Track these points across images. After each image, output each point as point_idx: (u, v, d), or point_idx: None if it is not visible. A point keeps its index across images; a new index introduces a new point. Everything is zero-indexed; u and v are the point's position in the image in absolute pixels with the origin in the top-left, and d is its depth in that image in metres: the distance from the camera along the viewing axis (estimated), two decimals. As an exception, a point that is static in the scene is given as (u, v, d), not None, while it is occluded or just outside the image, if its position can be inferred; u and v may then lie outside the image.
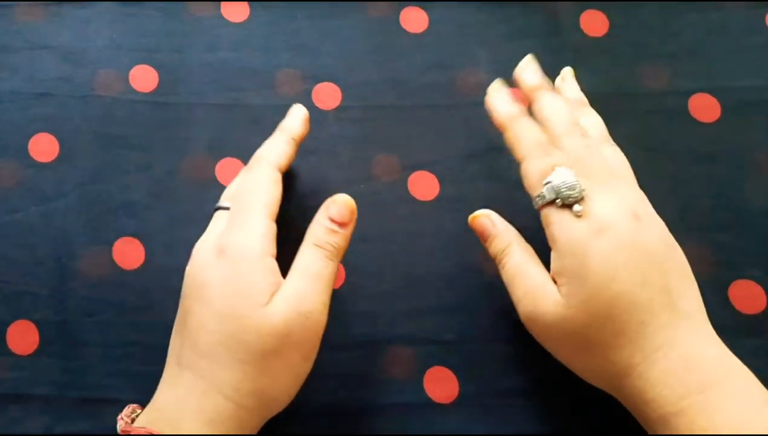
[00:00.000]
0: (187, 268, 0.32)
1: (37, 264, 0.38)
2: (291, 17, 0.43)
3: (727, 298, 0.37)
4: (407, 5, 0.43)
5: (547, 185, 0.30)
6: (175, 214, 0.39)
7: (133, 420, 0.29)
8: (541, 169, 0.31)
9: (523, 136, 0.32)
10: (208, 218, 0.38)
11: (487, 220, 0.34)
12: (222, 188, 0.39)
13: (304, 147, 0.38)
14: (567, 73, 0.37)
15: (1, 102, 0.40)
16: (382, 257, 0.38)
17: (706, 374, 0.27)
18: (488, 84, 0.41)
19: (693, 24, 0.42)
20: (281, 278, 0.30)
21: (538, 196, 0.31)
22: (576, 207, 0.29)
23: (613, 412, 0.32)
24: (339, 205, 0.31)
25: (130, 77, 0.41)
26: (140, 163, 0.40)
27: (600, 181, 0.30)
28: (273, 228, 0.31)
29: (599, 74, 0.41)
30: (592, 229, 0.29)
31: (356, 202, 0.39)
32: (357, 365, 0.36)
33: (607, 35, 0.42)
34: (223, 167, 0.40)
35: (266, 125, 0.40)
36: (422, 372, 0.36)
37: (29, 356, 0.37)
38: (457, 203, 0.39)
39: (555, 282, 0.30)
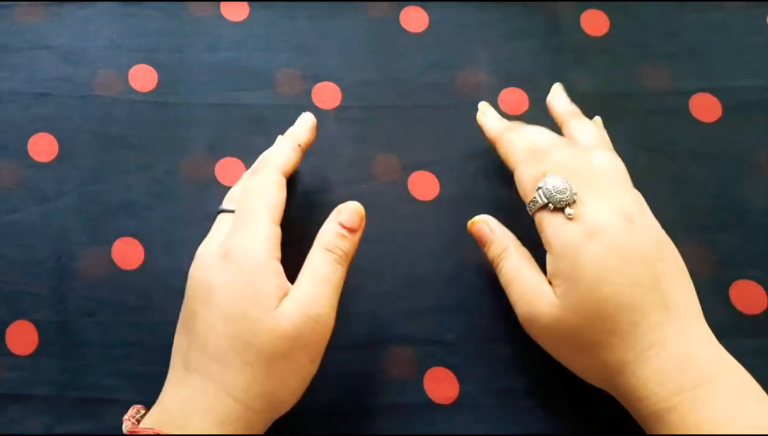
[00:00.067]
0: (191, 270, 0.32)
1: (37, 264, 0.38)
2: (291, 17, 0.43)
3: (727, 298, 0.37)
4: (407, 5, 0.43)
5: (539, 190, 0.31)
6: (175, 215, 0.39)
7: (138, 421, 0.29)
8: (533, 176, 0.32)
9: (513, 146, 0.34)
10: (208, 218, 0.38)
11: (485, 225, 0.35)
12: (222, 188, 0.39)
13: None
14: (557, 88, 0.38)
15: (1, 102, 0.40)
16: (382, 257, 0.38)
17: (698, 372, 0.28)
18: (488, 84, 0.41)
19: (693, 24, 0.42)
20: (286, 281, 0.30)
21: (531, 201, 0.32)
22: (568, 210, 0.30)
23: (613, 412, 0.32)
24: (349, 212, 0.32)
25: (130, 77, 0.41)
26: (140, 163, 0.40)
27: (592, 185, 0.31)
28: (278, 232, 0.31)
29: (599, 74, 0.41)
30: (584, 232, 0.30)
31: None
32: (357, 365, 0.36)
33: (607, 35, 0.42)
34: (223, 167, 0.40)
35: (266, 125, 0.40)
36: (422, 372, 0.36)
37: (29, 356, 0.37)
38: (457, 203, 0.39)
39: (551, 284, 0.31)
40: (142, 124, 0.40)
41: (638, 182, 0.38)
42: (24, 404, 0.36)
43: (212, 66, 0.41)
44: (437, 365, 0.36)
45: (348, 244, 0.32)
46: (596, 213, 0.30)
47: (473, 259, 0.37)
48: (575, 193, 0.30)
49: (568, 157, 0.32)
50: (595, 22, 0.42)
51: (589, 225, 0.30)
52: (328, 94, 0.41)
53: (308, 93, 0.41)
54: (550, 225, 0.31)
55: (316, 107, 0.41)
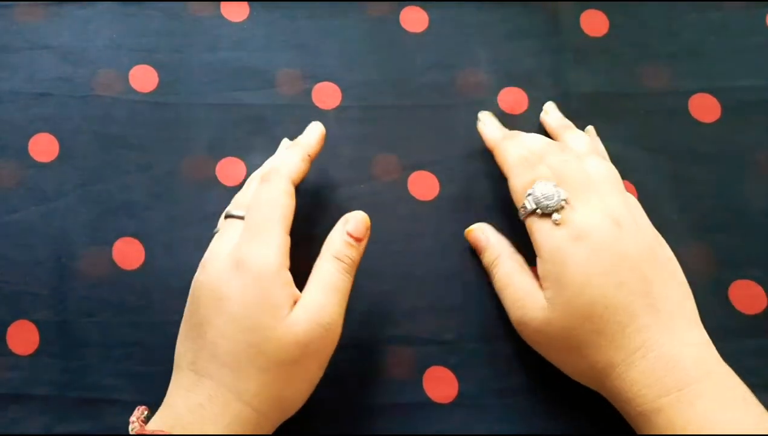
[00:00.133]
0: (201, 276, 0.32)
1: (37, 264, 0.38)
2: (291, 17, 0.42)
3: (727, 298, 0.37)
4: (407, 5, 0.43)
5: (528, 197, 0.32)
6: (175, 215, 0.39)
7: (144, 421, 0.30)
8: (524, 183, 0.33)
9: (508, 155, 0.34)
10: (208, 218, 0.38)
11: (481, 233, 0.37)
12: (222, 188, 0.39)
13: (304, 147, 0.38)
14: (549, 106, 0.40)
15: (1, 102, 0.40)
16: (382, 257, 0.38)
17: (685, 374, 0.28)
18: (488, 84, 0.41)
19: (693, 24, 0.42)
20: (295, 288, 0.31)
21: (521, 207, 0.33)
22: (555, 216, 0.31)
23: (612, 411, 0.32)
24: (356, 221, 0.33)
25: (130, 77, 0.41)
26: (140, 163, 0.40)
27: (583, 191, 0.32)
28: (288, 241, 0.31)
29: (599, 74, 0.41)
30: (571, 236, 0.31)
31: (356, 202, 0.39)
32: (357, 365, 0.36)
33: (607, 35, 0.42)
34: (223, 167, 0.40)
35: (266, 125, 0.40)
36: (422, 372, 0.36)
37: (29, 356, 0.37)
38: (457, 203, 0.39)
39: (542, 288, 0.32)
40: (143, 124, 0.40)
41: (638, 182, 0.39)
42: (24, 404, 0.36)
43: (212, 66, 0.41)
44: (436, 364, 0.36)
45: (355, 252, 0.32)
46: (584, 218, 0.31)
47: (473, 259, 0.38)
48: (564, 199, 0.31)
49: (561, 163, 0.33)
50: (595, 22, 0.42)
51: (576, 229, 0.31)
52: (328, 94, 0.41)
53: (308, 93, 0.41)
54: (538, 230, 0.32)
55: (316, 107, 0.41)
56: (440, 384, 0.36)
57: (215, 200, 0.39)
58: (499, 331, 0.36)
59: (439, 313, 0.37)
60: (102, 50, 0.42)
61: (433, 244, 0.38)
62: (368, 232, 0.33)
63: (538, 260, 0.32)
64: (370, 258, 0.37)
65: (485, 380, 0.36)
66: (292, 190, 0.33)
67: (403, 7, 0.43)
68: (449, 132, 0.40)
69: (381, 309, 0.37)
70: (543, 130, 0.39)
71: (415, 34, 0.42)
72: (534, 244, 0.32)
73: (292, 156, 0.34)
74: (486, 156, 0.39)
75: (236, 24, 0.42)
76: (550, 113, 0.39)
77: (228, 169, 0.40)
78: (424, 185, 0.39)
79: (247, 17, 0.43)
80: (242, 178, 0.39)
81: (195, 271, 0.36)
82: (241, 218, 0.33)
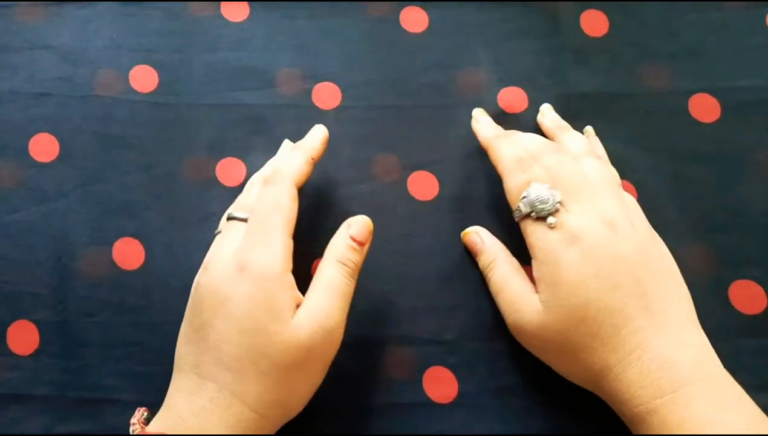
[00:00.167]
0: (203, 279, 0.31)
1: (37, 264, 0.38)
2: (291, 17, 0.43)
3: (727, 298, 0.37)
4: (407, 5, 0.43)
5: (523, 200, 0.32)
6: (175, 215, 0.39)
7: (145, 423, 0.30)
8: (518, 185, 0.33)
9: (503, 154, 0.34)
10: (208, 218, 0.38)
11: (476, 236, 0.37)
12: (222, 188, 0.39)
13: (304, 147, 0.38)
14: (546, 108, 0.40)
15: (1, 102, 0.41)
16: (382, 257, 0.38)
17: (680, 375, 0.28)
18: (488, 84, 0.41)
19: (693, 24, 0.42)
20: (298, 291, 0.31)
21: (516, 209, 0.33)
22: (550, 219, 0.31)
23: (611, 411, 0.32)
24: (359, 226, 0.33)
25: (130, 77, 0.41)
26: (140, 163, 0.40)
27: (578, 192, 0.32)
28: (291, 245, 0.31)
29: (599, 74, 0.41)
30: (565, 239, 0.31)
31: (356, 202, 0.39)
32: (356, 365, 0.36)
33: (607, 35, 0.42)
34: (223, 167, 0.40)
35: (266, 125, 0.40)
36: (422, 372, 0.36)
37: (29, 356, 0.37)
38: (456, 203, 0.39)
39: (537, 291, 0.32)
40: (143, 124, 0.40)
41: (638, 182, 0.39)
42: (24, 404, 0.36)
43: (212, 66, 0.41)
44: (436, 364, 0.36)
45: (358, 256, 0.33)
46: (578, 220, 0.31)
47: (472, 259, 0.38)
48: (558, 202, 0.31)
49: (557, 163, 0.33)
50: (595, 22, 0.42)
51: (569, 232, 0.31)
52: (328, 94, 0.41)
53: (308, 93, 0.41)
54: (533, 233, 0.32)
55: (316, 107, 0.41)
56: (440, 384, 0.36)
57: (215, 200, 0.39)
58: (498, 331, 0.36)
59: (439, 313, 0.37)
60: (102, 50, 0.42)
61: (433, 244, 0.38)
62: (371, 236, 0.34)
63: (533, 263, 0.32)
64: (370, 258, 0.37)
65: (485, 380, 0.36)
66: (295, 194, 0.33)
67: (403, 7, 0.43)
68: (449, 132, 0.40)
69: (381, 309, 0.37)
70: (542, 131, 0.39)
71: (415, 34, 0.42)
72: (529, 246, 0.33)
73: (295, 159, 0.34)
74: (485, 156, 0.39)
75: (236, 24, 0.42)
76: (547, 115, 0.39)
77: (228, 169, 0.40)
78: (423, 185, 0.39)
79: (247, 17, 0.43)
80: (242, 178, 0.39)
81: (195, 271, 0.36)
82: (244, 220, 0.33)
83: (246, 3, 0.43)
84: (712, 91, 0.40)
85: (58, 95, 0.41)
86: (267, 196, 0.32)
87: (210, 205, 0.39)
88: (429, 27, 0.42)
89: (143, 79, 0.41)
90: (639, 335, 0.29)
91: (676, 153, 0.40)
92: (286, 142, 0.39)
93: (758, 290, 0.37)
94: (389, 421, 0.35)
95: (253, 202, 0.33)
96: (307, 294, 0.31)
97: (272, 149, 0.39)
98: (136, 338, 0.37)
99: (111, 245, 0.38)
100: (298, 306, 0.31)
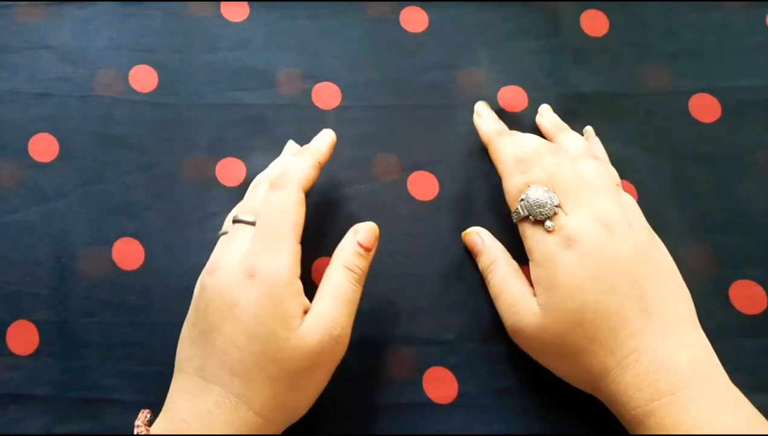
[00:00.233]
0: (209, 282, 0.31)
1: (37, 264, 0.38)
2: (291, 17, 0.43)
3: (727, 298, 0.37)
4: (407, 5, 0.43)
5: (521, 203, 0.32)
6: (175, 215, 0.39)
7: (148, 425, 0.30)
8: (517, 187, 0.33)
9: (503, 152, 0.34)
10: (208, 218, 0.38)
11: (477, 237, 0.37)
12: (222, 188, 0.39)
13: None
14: (544, 108, 0.40)
15: (1, 102, 0.41)
16: (382, 257, 0.37)
17: (678, 377, 0.28)
18: (488, 84, 0.41)
19: (693, 24, 0.42)
20: (305, 297, 0.31)
21: (515, 212, 0.33)
22: (547, 223, 0.31)
23: (611, 412, 0.32)
24: (366, 232, 0.33)
25: (130, 77, 0.41)
26: (140, 163, 0.40)
27: (575, 194, 0.32)
28: (299, 250, 0.31)
29: (599, 74, 0.41)
30: (562, 242, 0.31)
31: (356, 202, 0.39)
32: (356, 365, 0.36)
33: (607, 35, 0.42)
34: (223, 167, 0.40)
35: (266, 125, 0.40)
36: (421, 372, 0.36)
37: (29, 356, 0.37)
38: (456, 203, 0.39)
39: (535, 293, 0.32)
40: (143, 124, 0.40)
41: (638, 182, 0.39)
42: (24, 404, 0.36)
43: (212, 66, 0.41)
44: (436, 364, 0.36)
45: (365, 262, 0.33)
46: (575, 223, 0.31)
47: (472, 259, 0.38)
48: (556, 206, 0.32)
49: (555, 165, 0.33)
50: (595, 22, 0.42)
51: (567, 234, 0.31)
52: (328, 94, 0.41)
53: (308, 93, 0.41)
54: (531, 236, 0.32)
55: (316, 107, 0.41)
56: (440, 384, 0.36)
57: (215, 200, 0.39)
58: (498, 331, 0.36)
59: (439, 313, 0.37)
60: (102, 50, 0.42)
61: (433, 244, 0.38)
62: (377, 242, 0.34)
63: (531, 265, 0.32)
64: (370, 258, 0.37)
65: (485, 381, 0.36)
66: (303, 198, 0.33)
67: (403, 7, 0.43)
68: (449, 132, 0.40)
69: (381, 309, 0.37)
70: (540, 132, 0.39)
71: (415, 34, 0.42)
72: (527, 249, 0.33)
73: (303, 163, 0.34)
74: (486, 156, 0.39)
75: (236, 24, 0.42)
76: (545, 115, 0.39)
77: (228, 169, 0.40)
78: (423, 185, 0.39)
79: (247, 17, 0.43)
80: (242, 178, 0.39)
81: (195, 271, 0.36)
82: (251, 223, 0.32)
83: (246, 3, 0.43)
84: (712, 91, 0.40)
85: (58, 95, 0.41)
86: (275, 201, 0.32)
87: (210, 205, 0.39)
88: (429, 27, 0.42)
89: (143, 79, 0.41)
90: (637, 337, 0.29)
91: (676, 153, 0.40)
92: (290, 144, 0.39)
93: (758, 290, 0.37)
94: (389, 421, 0.35)
95: (260, 205, 0.32)
96: (314, 300, 0.32)
97: (272, 149, 0.39)
98: (136, 338, 0.37)
99: (111, 245, 0.38)
100: (305, 312, 0.31)
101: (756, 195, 0.38)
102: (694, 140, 0.40)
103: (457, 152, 0.40)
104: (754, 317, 0.36)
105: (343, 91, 0.41)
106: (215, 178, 0.40)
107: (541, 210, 0.31)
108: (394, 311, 0.37)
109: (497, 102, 0.41)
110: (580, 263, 0.30)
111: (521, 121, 0.40)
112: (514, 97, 0.41)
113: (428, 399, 0.36)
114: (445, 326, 0.37)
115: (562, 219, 0.31)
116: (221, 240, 0.33)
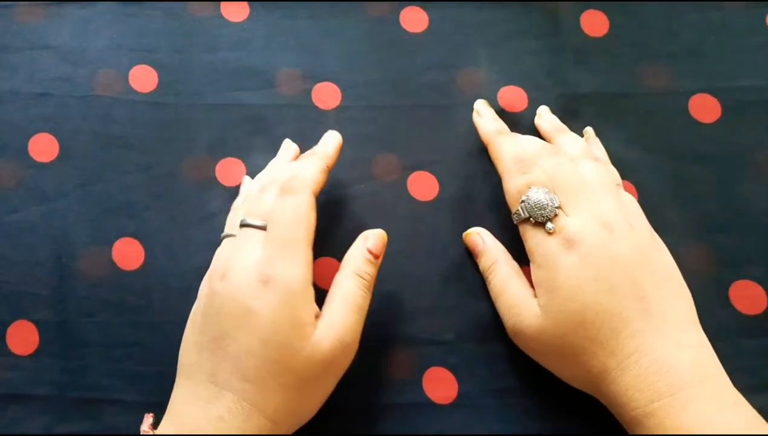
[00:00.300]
0: (221, 287, 0.31)
1: (37, 264, 0.38)
2: (291, 17, 0.43)
3: (727, 298, 0.37)
4: (407, 5, 0.43)
5: (522, 204, 0.32)
6: (175, 215, 0.39)
7: (154, 427, 0.30)
8: (518, 188, 0.33)
9: (503, 152, 0.34)
10: (208, 218, 0.38)
11: (478, 237, 0.37)
12: (222, 188, 0.39)
13: (304, 147, 0.38)
14: (543, 109, 0.40)
15: (1, 102, 0.41)
16: (383, 258, 0.38)
17: (678, 378, 0.28)
18: (488, 84, 0.41)
19: (693, 24, 0.42)
20: (315, 304, 0.31)
21: (515, 213, 0.33)
22: (548, 225, 0.31)
23: (611, 412, 0.32)
24: (376, 239, 0.34)
25: (130, 77, 0.41)
26: (140, 163, 0.40)
27: (575, 195, 0.32)
28: (312, 256, 0.31)
29: (599, 74, 0.41)
30: (563, 244, 0.31)
31: (356, 202, 0.39)
32: (357, 366, 0.36)
33: (607, 35, 0.42)
34: (223, 167, 0.40)
35: (266, 125, 0.40)
36: (421, 372, 0.36)
37: (29, 356, 0.37)
38: (456, 203, 0.39)
39: (536, 294, 0.32)
40: (143, 124, 0.40)
41: (638, 182, 0.39)
42: (24, 404, 0.36)
43: (212, 66, 0.41)
44: (436, 365, 0.36)
45: (374, 269, 0.33)
46: (576, 224, 0.31)
47: (472, 259, 0.38)
48: (557, 207, 0.32)
49: (555, 166, 0.33)
50: (595, 23, 0.42)
51: (567, 236, 0.31)
52: (328, 94, 0.41)
53: (308, 93, 0.41)
54: (532, 237, 0.32)
55: (316, 107, 0.41)
56: (440, 385, 0.36)
57: (215, 200, 0.39)
58: (498, 332, 0.36)
59: (439, 313, 0.37)
60: (102, 50, 0.42)
61: (433, 244, 0.38)
62: (385, 248, 0.34)
63: (532, 267, 0.32)
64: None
65: (485, 381, 0.36)
66: (314, 203, 0.32)
67: (403, 7, 0.43)
68: (449, 132, 0.40)
69: (381, 309, 0.37)
70: (539, 133, 0.39)
71: (415, 34, 0.42)
72: (527, 250, 0.33)
73: (312, 167, 0.34)
74: (486, 156, 0.39)
75: (236, 24, 0.42)
76: (544, 116, 0.39)
77: (228, 169, 0.40)
78: (423, 185, 0.39)
79: (247, 17, 0.43)
80: (242, 178, 0.39)
81: (195, 271, 0.36)
82: (261, 228, 0.32)
83: (246, 3, 0.43)
84: (712, 91, 0.40)
85: (58, 95, 0.41)
86: (288, 207, 0.32)
87: (210, 205, 0.39)
88: (429, 27, 0.42)
89: (143, 79, 0.41)
90: (637, 338, 0.29)
91: (676, 153, 0.40)
92: (287, 143, 0.39)
93: (758, 290, 0.37)
94: (389, 421, 0.35)
95: (272, 210, 0.32)
96: (325, 307, 0.32)
97: (272, 149, 0.39)
98: (136, 338, 0.37)
99: (111, 245, 0.38)
100: (316, 317, 0.31)
101: (756, 195, 0.38)
102: (694, 140, 0.40)
103: (457, 152, 0.40)
104: (754, 317, 0.36)
105: (343, 91, 0.41)
106: (215, 178, 0.40)
107: (542, 212, 0.32)
108: (394, 311, 0.37)
109: (497, 102, 0.41)
110: (580, 264, 0.30)
111: (521, 122, 0.40)
112: (514, 97, 0.41)
113: (428, 399, 0.36)
114: (445, 326, 0.37)
115: (562, 220, 0.31)
116: (228, 243, 0.33)
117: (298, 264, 0.30)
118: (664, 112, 0.40)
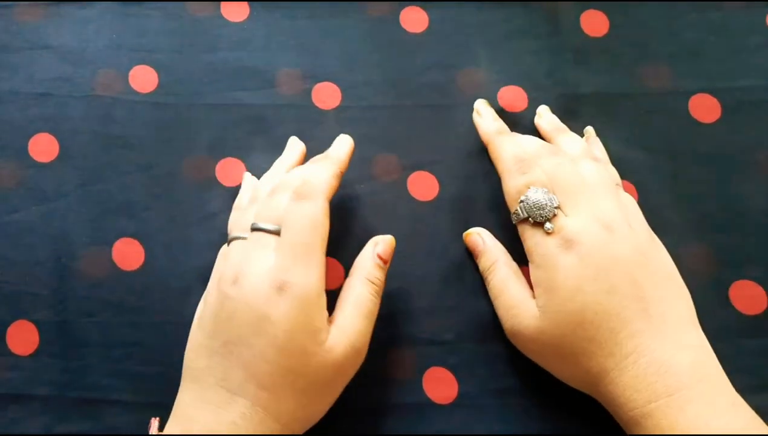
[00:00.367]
0: (234, 293, 0.30)
1: (37, 264, 0.38)
2: (291, 17, 0.43)
3: (727, 298, 0.37)
4: (407, 5, 0.43)
5: (521, 204, 0.32)
6: (175, 215, 0.39)
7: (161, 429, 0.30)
8: (517, 188, 0.33)
9: (503, 152, 0.34)
10: (208, 218, 0.38)
11: (478, 238, 0.37)
12: (222, 189, 0.39)
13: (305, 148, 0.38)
14: (542, 109, 0.40)
15: (1, 102, 0.41)
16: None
17: (676, 380, 0.28)
18: (488, 84, 0.41)
19: (693, 24, 0.42)
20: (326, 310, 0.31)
21: (514, 213, 0.33)
22: (547, 225, 0.31)
23: (610, 412, 0.32)
24: (386, 244, 0.34)
25: (130, 77, 0.41)
26: (140, 163, 0.40)
27: (575, 195, 0.32)
28: (325, 263, 0.31)
29: (599, 74, 0.41)
30: (562, 244, 0.31)
31: (356, 202, 0.39)
32: (357, 365, 0.36)
33: (607, 35, 0.42)
34: (223, 167, 0.40)
35: (266, 125, 0.40)
36: (421, 372, 0.36)
37: (29, 356, 0.37)
38: (456, 203, 0.39)
39: (534, 295, 0.32)
40: (142, 124, 0.40)
41: (638, 182, 0.39)
42: (24, 404, 0.36)
43: (212, 66, 0.41)
44: (436, 365, 0.36)
45: (383, 274, 0.34)
46: (574, 224, 0.31)
47: (472, 259, 0.38)
48: (556, 207, 0.32)
49: (555, 166, 0.33)
50: (595, 23, 0.42)
51: (566, 236, 0.31)
52: (328, 94, 0.41)
53: (308, 93, 0.41)
54: (531, 237, 0.32)
55: (316, 107, 0.41)
56: (440, 385, 0.36)
57: (215, 200, 0.39)
58: (498, 332, 0.36)
59: (439, 313, 0.37)
60: (102, 50, 0.42)
61: (433, 244, 0.38)
62: (393, 253, 0.34)
63: (531, 267, 0.32)
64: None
65: (485, 381, 0.36)
66: (328, 209, 0.32)
67: (403, 7, 0.43)
68: (449, 132, 0.40)
69: (381, 309, 0.37)
70: (539, 133, 0.39)
71: (415, 34, 0.42)
72: (526, 250, 0.33)
73: (326, 172, 0.33)
74: (485, 156, 0.39)
75: (236, 24, 0.42)
76: (544, 116, 0.39)
77: (228, 169, 0.40)
78: (423, 185, 0.39)
79: (247, 17, 0.43)
80: (242, 178, 0.39)
81: (195, 271, 0.37)
82: (273, 232, 0.31)
83: (246, 3, 0.43)
84: (712, 91, 0.40)
85: (58, 95, 0.41)
86: (304, 214, 0.31)
87: (210, 205, 0.39)
88: (429, 27, 0.42)
89: (143, 79, 0.41)
90: (636, 338, 0.29)
91: (676, 153, 0.40)
92: (294, 140, 0.39)
93: (758, 290, 0.37)
94: (389, 421, 0.35)
95: (285, 215, 0.31)
96: (337, 312, 0.32)
97: (272, 149, 0.39)
98: (135, 338, 0.37)
99: (111, 245, 0.38)
100: (328, 322, 0.31)
101: (756, 195, 0.38)
102: (694, 140, 0.40)
103: (457, 152, 0.40)
104: (754, 317, 0.36)
105: (343, 91, 0.41)
106: (215, 178, 0.40)
107: (541, 212, 0.32)
108: (394, 311, 0.37)
109: (497, 102, 0.41)
110: (580, 264, 0.30)
111: (521, 122, 0.40)
112: (514, 97, 0.41)
113: (428, 399, 0.36)
114: (445, 326, 0.37)
115: (561, 220, 0.31)
116: (238, 247, 0.32)
117: (313, 271, 0.30)
118: (664, 112, 0.40)
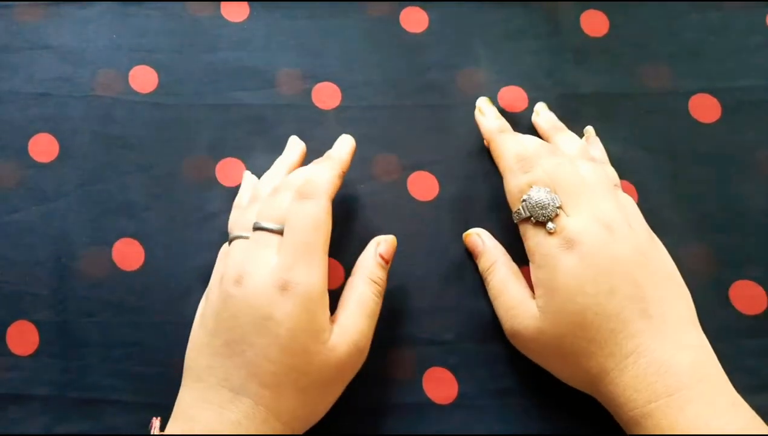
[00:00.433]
0: (237, 292, 0.30)
1: (37, 264, 0.38)
2: (291, 17, 0.43)
3: (727, 298, 0.37)
4: (407, 5, 0.43)
5: (523, 203, 0.32)
6: (175, 215, 0.39)
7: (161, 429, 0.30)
8: (519, 187, 0.33)
9: (506, 150, 0.34)
10: (208, 218, 0.38)
11: (478, 238, 0.37)
12: (222, 189, 0.39)
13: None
14: (540, 107, 0.40)
15: (1, 102, 0.41)
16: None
17: (676, 380, 0.28)
18: (488, 84, 0.41)
19: (693, 24, 0.42)
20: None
21: (516, 212, 0.33)
22: (549, 225, 0.31)
23: (610, 412, 0.32)
24: (388, 244, 0.34)
25: (130, 77, 0.41)
26: (140, 163, 0.40)
27: (576, 195, 0.32)
28: (327, 263, 0.32)
29: (599, 74, 0.41)
30: (563, 244, 0.31)
31: (356, 202, 0.39)
32: (357, 365, 0.36)
33: (607, 35, 0.42)
34: (223, 167, 0.40)
35: (266, 125, 0.40)
36: (421, 372, 0.36)
37: (29, 356, 0.37)
38: (456, 203, 0.39)
39: (534, 295, 0.32)
40: (142, 124, 0.40)
41: (638, 182, 0.39)
42: (24, 404, 0.36)
43: (212, 66, 0.41)
44: (436, 365, 0.36)
45: (385, 274, 0.34)
46: (575, 224, 0.31)
47: (472, 259, 0.38)
48: (558, 207, 0.31)
49: (555, 166, 0.33)
50: (595, 23, 0.42)
51: (567, 237, 0.31)
52: (328, 94, 0.41)
53: (308, 93, 0.41)
54: (532, 237, 0.32)
55: (316, 107, 0.41)
56: (440, 385, 0.36)
57: (215, 200, 0.39)
58: (498, 332, 0.36)
59: (439, 313, 0.37)
60: (102, 50, 0.42)
61: (433, 244, 0.38)
62: (394, 253, 0.35)
63: (531, 267, 0.32)
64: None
65: (485, 381, 0.36)
66: (330, 209, 0.32)
67: (403, 7, 0.43)
68: (449, 132, 0.40)
69: (381, 309, 0.37)
70: (537, 132, 0.39)
71: (415, 34, 0.42)
72: (527, 250, 0.33)
73: (328, 172, 0.33)
74: (486, 156, 0.39)
75: (236, 24, 0.42)
76: (541, 114, 0.39)
77: (228, 169, 0.40)
78: (423, 185, 0.39)
79: (247, 17, 0.43)
80: (242, 178, 0.39)
81: (195, 271, 0.37)
82: (276, 232, 0.31)
83: (246, 3, 0.43)
84: (712, 91, 0.40)
85: (58, 95, 0.41)
86: (306, 213, 0.31)
87: (210, 205, 0.39)
88: (429, 27, 0.42)
89: (143, 79, 0.41)
90: (636, 338, 0.29)
91: (676, 153, 0.40)
92: (294, 140, 0.38)
93: (758, 290, 0.37)
94: (389, 421, 0.35)
95: (287, 214, 0.31)
96: (340, 311, 0.32)
97: (272, 149, 0.39)
98: (136, 338, 0.37)
99: (111, 245, 0.38)
100: (332, 323, 0.31)
101: (756, 195, 0.38)
102: (694, 140, 0.40)
103: (457, 152, 0.40)
104: (754, 317, 0.36)
105: (343, 91, 0.41)
106: (215, 178, 0.40)
107: (543, 211, 0.31)
108: (394, 311, 0.37)
109: (497, 102, 0.41)
110: (580, 265, 0.30)
111: (521, 122, 0.40)
112: (514, 97, 0.41)
113: (428, 399, 0.36)
114: (445, 326, 0.37)
115: (563, 220, 0.31)
116: (240, 246, 0.32)
117: (316, 270, 0.30)
118: (664, 112, 0.40)
